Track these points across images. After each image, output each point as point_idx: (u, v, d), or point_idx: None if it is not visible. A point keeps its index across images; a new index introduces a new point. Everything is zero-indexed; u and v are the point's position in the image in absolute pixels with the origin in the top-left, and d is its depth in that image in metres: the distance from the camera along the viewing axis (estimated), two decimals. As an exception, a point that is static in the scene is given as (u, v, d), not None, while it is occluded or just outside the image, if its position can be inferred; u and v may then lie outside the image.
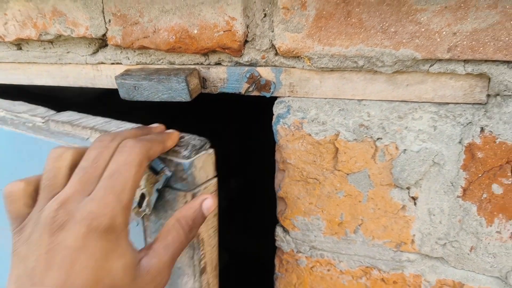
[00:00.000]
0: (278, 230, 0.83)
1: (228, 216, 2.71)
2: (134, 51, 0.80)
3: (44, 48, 0.87)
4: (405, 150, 0.68)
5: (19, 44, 0.90)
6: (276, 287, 0.86)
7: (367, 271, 0.78)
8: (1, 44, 0.91)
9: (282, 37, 0.67)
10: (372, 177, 0.71)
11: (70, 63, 0.87)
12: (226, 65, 0.76)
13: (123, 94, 0.79)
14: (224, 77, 0.76)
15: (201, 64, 0.77)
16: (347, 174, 0.72)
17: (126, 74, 0.77)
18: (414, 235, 0.73)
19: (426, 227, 0.72)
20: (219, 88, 0.77)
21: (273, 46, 0.70)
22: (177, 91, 0.75)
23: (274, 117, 0.75)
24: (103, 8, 0.76)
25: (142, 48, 0.77)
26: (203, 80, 0.78)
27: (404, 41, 0.60)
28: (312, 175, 0.75)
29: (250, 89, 0.75)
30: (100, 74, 0.86)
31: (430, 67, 0.62)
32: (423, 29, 0.59)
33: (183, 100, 0.76)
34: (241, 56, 0.72)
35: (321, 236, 0.78)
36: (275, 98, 0.76)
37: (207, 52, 0.75)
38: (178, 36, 0.73)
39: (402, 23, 0.60)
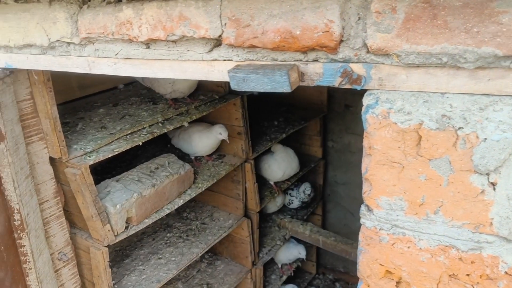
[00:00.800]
0: (363, 209, 0.93)
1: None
2: (244, 50, 0.94)
3: (168, 47, 1.05)
4: (485, 139, 0.74)
5: (148, 43, 1.09)
6: (360, 261, 0.96)
7: (446, 250, 0.85)
8: (134, 43, 1.10)
9: (373, 37, 0.77)
10: (453, 163, 0.78)
11: (189, 60, 1.04)
12: (322, 62, 0.87)
13: (233, 85, 0.93)
14: (320, 71, 0.88)
15: (300, 60, 0.90)
16: (429, 160, 0.80)
17: (237, 68, 0.92)
18: (492, 218, 0.79)
19: (505, 211, 0.78)
20: (315, 82, 0.89)
21: (365, 45, 0.80)
22: (279, 83, 0.88)
23: (363, 107, 0.85)
24: (220, 14, 0.91)
25: (251, 47, 0.91)
26: (301, 75, 0.90)
27: (486, 39, 0.68)
28: (396, 160, 0.84)
29: (343, 82, 0.86)
30: (213, 69, 1.01)
31: (511, 63, 0.68)
32: (504, 29, 0.66)
33: (284, 91, 0.88)
34: (336, 53, 0.83)
35: (403, 215, 0.87)
36: (364, 91, 0.86)
37: (306, 50, 0.87)
38: (283, 37, 0.86)
39: (485, 24, 0.67)
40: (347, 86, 0.85)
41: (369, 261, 0.94)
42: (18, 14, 1.30)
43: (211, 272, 2.90)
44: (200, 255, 2.47)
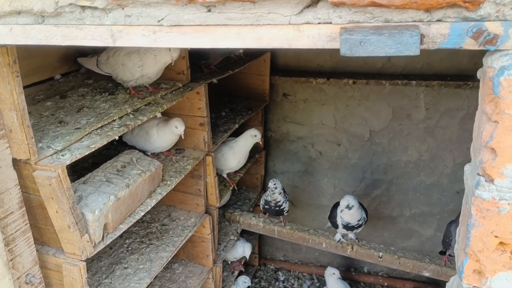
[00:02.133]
0: (481, 180, 0.87)
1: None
2: (350, 10, 0.83)
3: (243, 9, 0.89)
4: None
5: (210, 6, 0.91)
6: (471, 235, 0.91)
7: None
8: (190, 6, 0.91)
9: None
10: None
11: (268, 24, 0.88)
12: (450, 21, 0.79)
13: (344, 50, 0.81)
14: (445, 32, 0.80)
15: (421, 21, 0.81)
16: None
17: (352, 30, 0.80)
18: None
19: None
20: (437, 44, 0.81)
21: (515, -1, 0.74)
22: (407, 45, 0.78)
23: (495, 70, 0.79)
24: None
25: (370, 4, 0.80)
26: (421, 37, 0.82)
27: None
28: (530, 124, 0.80)
29: (475, 43, 0.79)
30: (300, 35, 0.87)
31: None
32: None
33: (411, 54, 0.79)
34: (477, 10, 0.76)
35: (531, 181, 0.83)
36: (485, 51, 0.80)
37: (432, 8, 0.79)
38: (417, -9, 0.77)
39: None
40: (478, 47, 0.79)
41: (482, 234, 0.90)
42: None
43: (170, 277, 2.67)
44: (170, 258, 2.24)
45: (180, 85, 2.21)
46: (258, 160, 3.58)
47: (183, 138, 2.25)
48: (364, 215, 2.78)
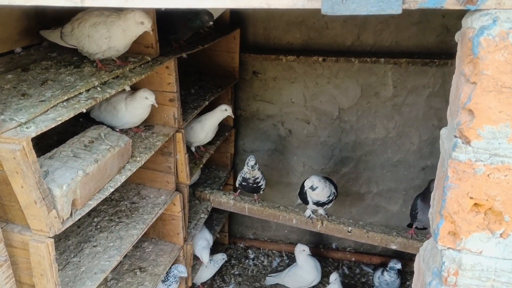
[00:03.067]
0: (458, 142, 0.88)
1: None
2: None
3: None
4: None
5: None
6: (447, 197, 0.93)
7: (544, 173, 0.86)
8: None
9: None
10: None
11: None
12: (431, -20, 0.79)
13: (326, 9, 0.80)
14: (426, -8, 0.79)
15: (402, -21, 0.80)
16: (546, 81, 0.79)
17: (335, -13, 0.78)
18: None
19: None
20: (419, 3, 0.81)
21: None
22: (389, 3, 0.77)
23: (474, 30, 0.80)
24: None
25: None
26: (402, -4, 0.81)
27: None
28: (507, 85, 0.81)
29: (456, 2, 0.79)
30: (280, -6, 0.85)
31: None
32: None
33: (393, 12, 0.78)
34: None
35: (506, 143, 0.85)
36: (463, 14, 0.81)
37: (414, -33, 0.78)
38: None
39: None
40: (459, 7, 0.79)
41: (458, 196, 0.91)
42: None
43: (140, 255, 2.64)
44: (140, 236, 2.21)
45: (149, 59, 2.15)
46: (228, 138, 3.56)
47: (156, 106, 2.19)
48: (334, 190, 2.81)
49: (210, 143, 3.08)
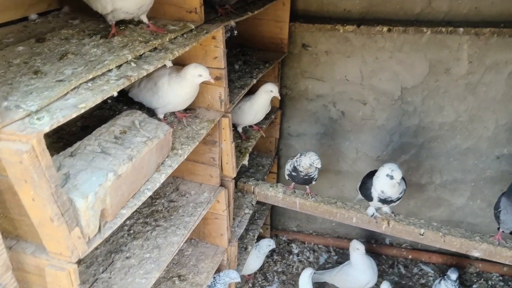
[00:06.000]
0: None
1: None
2: None
3: None
4: None
5: None
6: None
7: None
8: None
9: None
10: None
11: None
12: None
13: None
14: None
15: None
16: None
17: None
18: None
19: None
20: None
21: None
22: None
23: None
24: None
25: None
26: None
27: None
28: None
29: None
30: None
31: None
32: None
33: None
34: None
35: None
36: None
37: None
38: None
39: None
40: None
41: None
42: None
43: (178, 260, 2.27)
44: (182, 243, 1.83)
45: (193, 27, 1.71)
46: (273, 121, 3.13)
47: (213, 82, 1.78)
48: (404, 186, 2.37)
49: (258, 123, 2.69)
